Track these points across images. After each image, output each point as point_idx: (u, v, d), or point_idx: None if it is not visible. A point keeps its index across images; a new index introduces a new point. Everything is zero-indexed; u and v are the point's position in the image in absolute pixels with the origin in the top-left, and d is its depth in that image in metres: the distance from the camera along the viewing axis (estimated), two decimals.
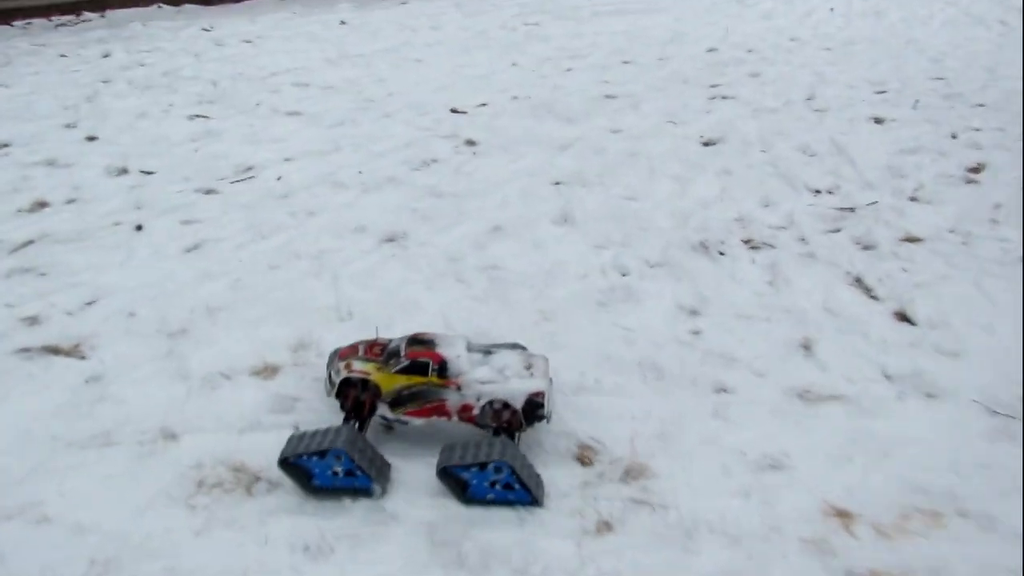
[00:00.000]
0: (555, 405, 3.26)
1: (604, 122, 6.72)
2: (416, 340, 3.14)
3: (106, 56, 8.47)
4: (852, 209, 5.15)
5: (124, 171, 5.77)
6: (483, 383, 3.06)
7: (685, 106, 7.11)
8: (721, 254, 4.62)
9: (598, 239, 4.78)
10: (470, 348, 3.19)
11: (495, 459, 2.80)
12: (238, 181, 5.58)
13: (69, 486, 2.91)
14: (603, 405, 3.41)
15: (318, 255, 4.57)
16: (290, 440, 2.88)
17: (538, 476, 2.92)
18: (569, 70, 8.24)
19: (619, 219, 5.03)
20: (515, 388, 3.05)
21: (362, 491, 2.87)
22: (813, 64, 8.40)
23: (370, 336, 3.37)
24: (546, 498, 2.88)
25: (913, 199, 5.35)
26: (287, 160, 5.93)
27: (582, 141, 6.27)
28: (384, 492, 2.90)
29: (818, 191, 5.48)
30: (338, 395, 3.11)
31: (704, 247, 4.70)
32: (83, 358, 3.67)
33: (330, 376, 3.16)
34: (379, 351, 3.17)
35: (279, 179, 5.58)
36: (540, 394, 3.04)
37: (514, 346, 3.41)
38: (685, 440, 3.19)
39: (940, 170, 5.76)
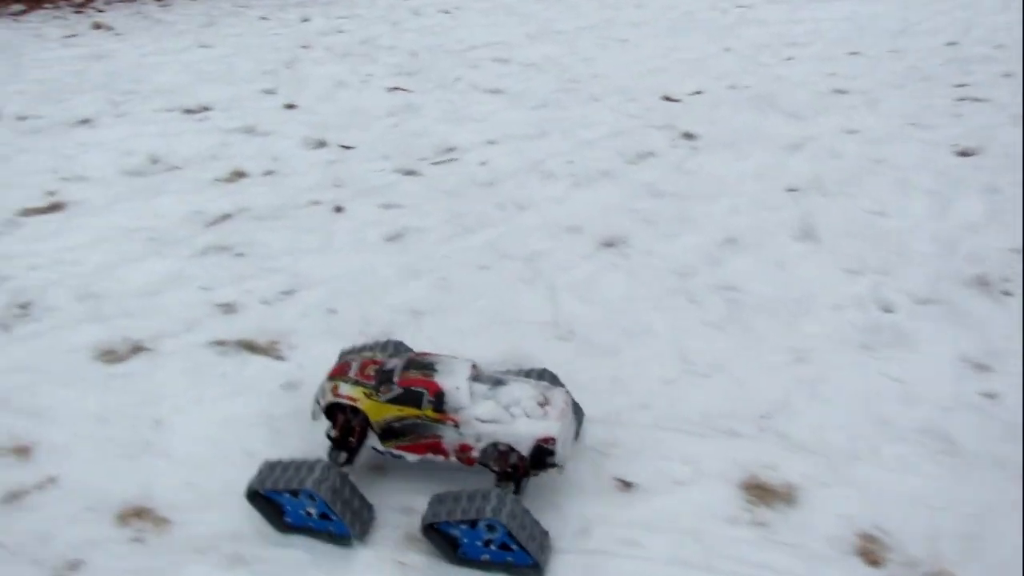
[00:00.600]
0: (584, 446, 2.84)
1: (837, 121, 5.94)
2: (414, 363, 2.66)
3: (305, 20, 8.27)
4: None
5: (322, 144, 5.45)
6: (484, 422, 2.57)
7: (929, 107, 6.23)
8: (1006, 294, 3.84)
9: (849, 262, 4.10)
10: (477, 377, 2.67)
11: (487, 516, 2.32)
12: (439, 163, 5.17)
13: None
14: (885, 482, 2.79)
15: (530, 257, 4.09)
16: (261, 469, 2.50)
17: (544, 534, 2.45)
18: (790, 59, 7.45)
19: (871, 239, 4.32)
20: (521, 431, 2.56)
21: (337, 538, 2.50)
22: None
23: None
24: None
25: None
26: (490, 143, 5.47)
27: (814, 142, 5.53)
28: (362, 539, 2.50)
29: None
30: (328, 417, 2.70)
31: (983, 283, 3.94)
32: (280, 358, 3.32)
33: (317, 399, 2.73)
34: (373, 373, 2.69)
35: (483, 164, 5.13)
36: (550, 440, 2.54)
37: (541, 374, 2.91)
38: (1000, 547, 2.52)
39: None
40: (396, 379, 2.62)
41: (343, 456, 2.65)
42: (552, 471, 2.60)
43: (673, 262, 4.06)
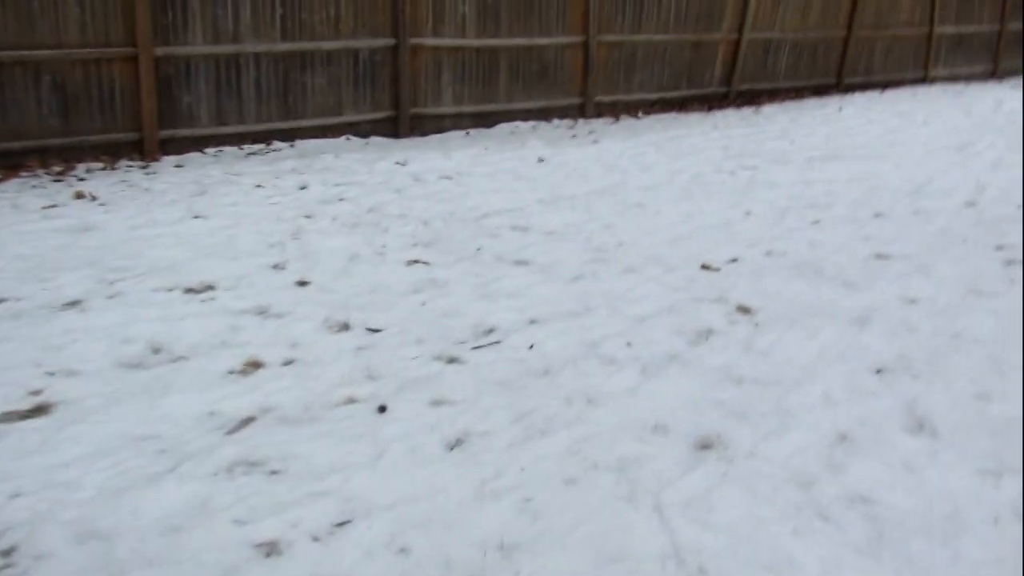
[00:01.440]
0: None
1: (893, 290, 5.55)
2: None
3: (303, 188, 7.83)
4: None
5: (346, 327, 4.87)
6: None
7: (982, 273, 5.87)
8: None
9: (981, 461, 3.59)
10: None
11: None
12: (481, 347, 4.59)
13: None
14: None
15: (620, 466, 3.49)
16: None
17: None
18: (816, 222, 7.14)
19: (990, 430, 3.83)
20: None
21: None
22: None
23: None
24: None
25: None
26: (532, 322, 4.94)
27: (879, 314, 5.10)
28: None
29: None
30: None
31: None
32: None
33: None
34: None
35: (531, 348, 4.57)
36: None
37: None
38: None
39: None
40: None
41: None
42: None
43: (786, 468, 3.48)
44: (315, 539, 3.03)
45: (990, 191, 8.53)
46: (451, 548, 2.97)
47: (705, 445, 3.68)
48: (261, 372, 4.38)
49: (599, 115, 12.06)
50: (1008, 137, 11.64)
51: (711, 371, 4.38)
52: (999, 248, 6.65)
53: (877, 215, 7.60)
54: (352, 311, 5.10)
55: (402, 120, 10.26)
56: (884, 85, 16.43)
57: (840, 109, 13.87)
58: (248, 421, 3.88)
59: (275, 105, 9.37)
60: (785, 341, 4.78)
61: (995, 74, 19.09)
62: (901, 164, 9.97)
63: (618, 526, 3.12)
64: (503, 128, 11.10)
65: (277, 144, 9.48)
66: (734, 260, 6.20)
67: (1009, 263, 6.27)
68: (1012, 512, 3.25)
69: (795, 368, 4.42)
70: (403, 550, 2.96)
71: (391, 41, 9.94)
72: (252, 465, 3.50)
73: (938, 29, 17.21)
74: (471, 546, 2.99)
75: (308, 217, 7.00)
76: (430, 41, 10.25)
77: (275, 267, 5.82)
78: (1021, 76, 18.99)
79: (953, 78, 18.11)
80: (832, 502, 3.28)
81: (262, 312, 5.09)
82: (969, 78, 18.51)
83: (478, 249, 6.27)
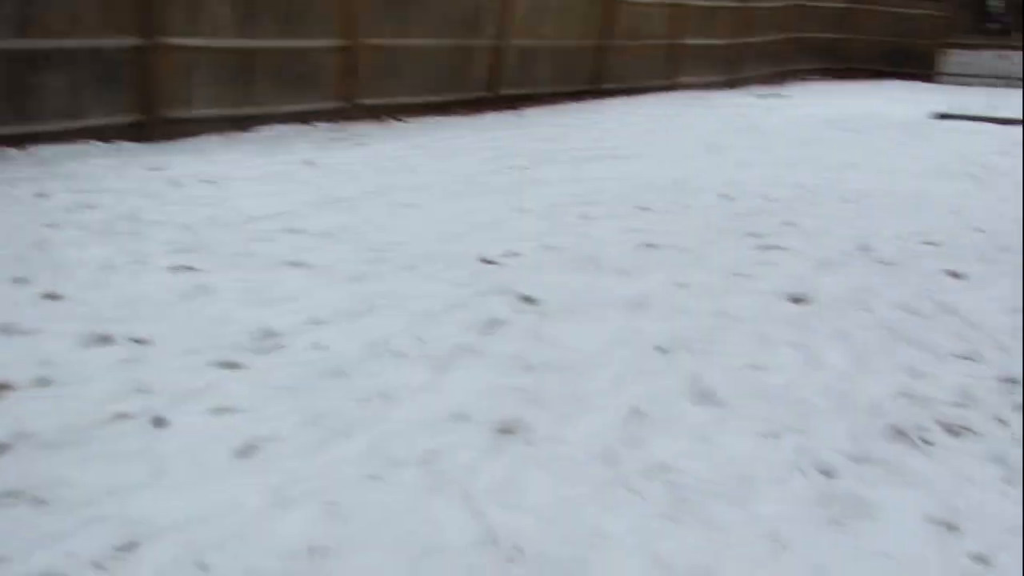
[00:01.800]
0: None
1: (663, 276, 5.83)
2: None
3: (41, 196, 7.12)
4: (1015, 381, 4.28)
5: (106, 339, 4.44)
6: None
7: (741, 258, 6.30)
8: (927, 443, 3.64)
9: (762, 425, 3.78)
10: None
11: None
12: (264, 352, 4.32)
13: None
14: None
15: (424, 460, 3.39)
16: None
17: None
18: (587, 217, 7.37)
19: (768, 399, 4.06)
20: None
21: None
22: (841, 215, 7.82)
23: None
24: None
25: None
26: (317, 323, 4.73)
27: (655, 299, 5.32)
28: None
29: (963, 356, 4.60)
30: None
31: (901, 434, 3.73)
32: None
33: None
34: None
35: (319, 349, 4.37)
36: None
37: None
38: None
39: None
40: None
41: None
42: None
43: (588, 448, 3.51)
44: (98, 567, 2.69)
45: (742, 186, 9.15)
46: (254, 560, 2.74)
47: (506, 431, 3.64)
48: (10, 395, 3.89)
49: (365, 118, 11.87)
50: (751, 139, 12.61)
51: (504, 360, 4.37)
52: (754, 235, 7.12)
53: (643, 209, 7.94)
54: (112, 323, 4.67)
55: (153, 124, 9.59)
56: (638, 91, 17.39)
57: (599, 112, 14.49)
58: (3, 449, 3.42)
59: (3, 108, 8.45)
60: (571, 329, 4.85)
61: (730, 83, 20.78)
62: (660, 162, 10.52)
63: (429, 519, 3.01)
64: (265, 132, 10.67)
65: (6, 149, 8.54)
66: (514, 254, 6.25)
67: (763, 248, 6.71)
68: (794, 470, 3.42)
69: (584, 353, 4.49)
70: (202, 567, 2.69)
71: (139, 40, 9.27)
72: (14, 497, 3.08)
73: (683, 41, 18.51)
74: (276, 556, 2.78)
75: (51, 226, 6.36)
76: (182, 41, 9.65)
77: (17, 280, 5.22)
78: (752, 85, 20.82)
79: (696, 86, 19.51)
80: (635, 475, 3.33)
81: (5, 331, 4.54)
82: (709, 86, 20.03)
83: (249, 254, 5.93)
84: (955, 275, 6.16)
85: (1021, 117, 14.90)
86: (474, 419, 3.73)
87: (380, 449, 3.46)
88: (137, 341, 4.49)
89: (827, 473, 3.43)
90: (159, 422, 3.64)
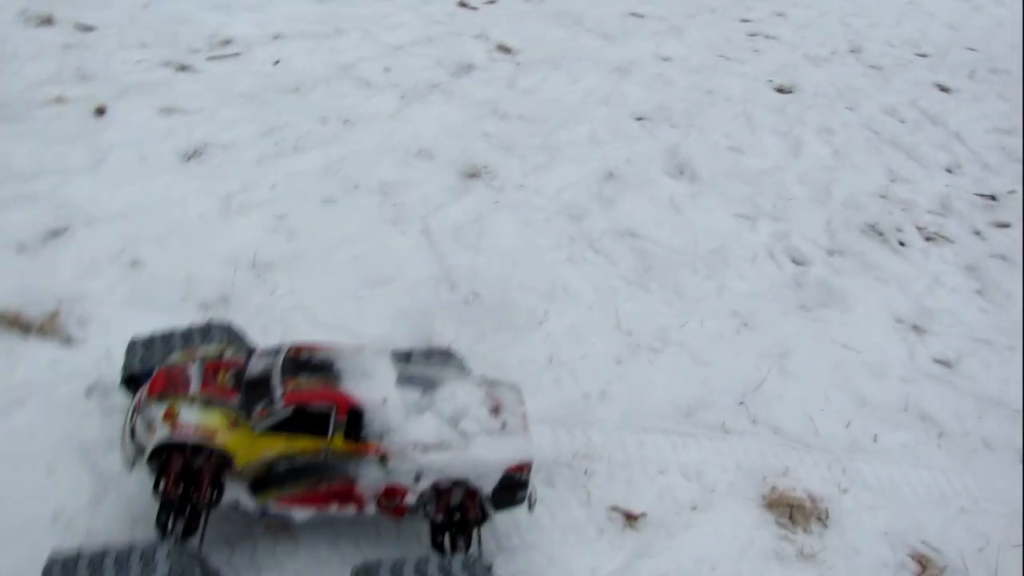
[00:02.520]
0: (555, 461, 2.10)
1: (649, 46, 5.48)
2: (300, 362, 1.69)
3: None
4: (994, 197, 4.18)
5: (49, 20, 4.01)
6: (428, 450, 1.69)
7: (729, 41, 5.95)
8: (902, 244, 3.54)
9: (739, 205, 3.62)
10: (402, 376, 1.78)
11: None
12: (219, 58, 3.97)
13: None
14: (904, 482, 2.30)
15: (383, 189, 3.16)
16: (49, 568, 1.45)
17: None
18: None
19: (746, 179, 3.87)
20: (484, 458, 1.71)
21: None
22: (833, 9, 7.41)
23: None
24: None
25: None
26: (277, 37, 4.36)
27: (638, 67, 5.01)
28: None
29: (945, 168, 4.46)
30: (151, 465, 1.64)
31: (877, 232, 3.61)
32: (70, 341, 2.15)
33: (132, 430, 1.66)
34: (231, 383, 1.69)
35: (278, 63, 4.01)
36: (525, 467, 1.74)
37: (445, 356, 2.04)
38: None
39: None
40: (279, 392, 1.62)
41: (180, 526, 1.61)
42: (518, 508, 1.80)
43: (557, 200, 3.32)
44: (23, 249, 2.47)
45: None
46: (194, 264, 2.54)
47: (473, 174, 3.42)
48: None
49: None
50: None
51: (475, 104, 4.08)
52: (745, 21, 6.72)
53: None
54: (56, 4, 4.20)
55: None
56: None
57: None
58: None
59: None
60: (549, 82, 4.55)
61: None
62: None
63: (385, 248, 2.82)
64: None
65: None
66: (492, 1, 5.79)
67: (753, 35, 6.34)
68: (767, 252, 3.30)
69: (560, 108, 4.22)
70: (135, 263, 2.49)
71: None
72: None
73: None
74: (218, 263, 2.58)
75: None
76: None
77: None
78: None
79: None
80: (603, 235, 3.17)
81: None
82: None
83: None
84: (944, 89, 5.92)
85: None
86: (440, 158, 3.49)
87: (337, 171, 3.22)
88: (85, 28, 4.07)
89: (799, 261, 3.30)
90: (101, 111, 3.31)
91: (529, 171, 3.51)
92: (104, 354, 2.12)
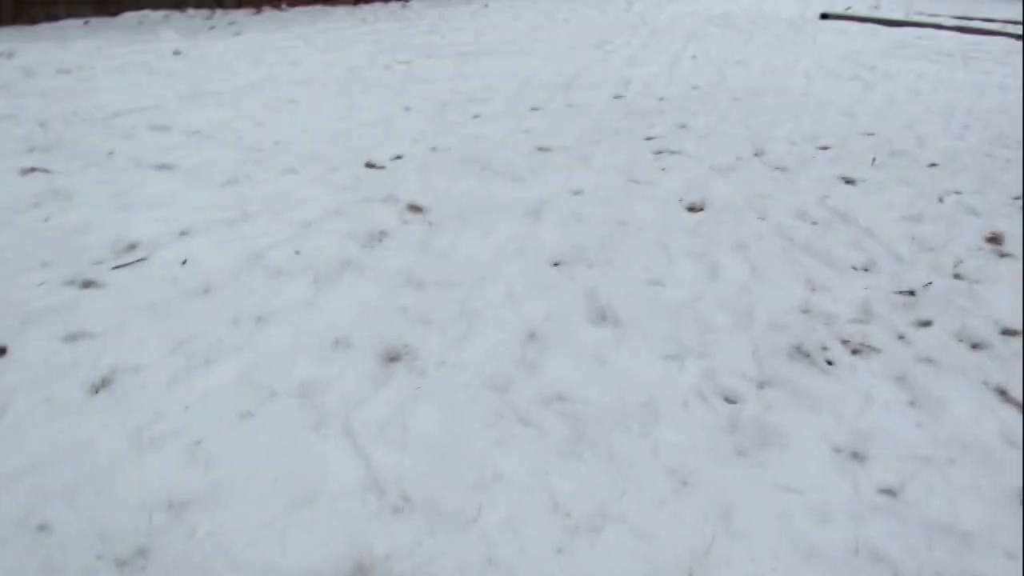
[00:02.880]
0: None
1: (559, 180, 5.55)
2: None
3: None
4: (912, 293, 4.24)
5: None
6: None
7: (635, 162, 6.08)
8: (830, 363, 3.55)
9: (663, 346, 3.61)
10: None
11: None
12: (124, 266, 3.92)
13: None
14: None
15: (301, 392, 3.09)
16: None
17: None
18: (477, 116, 7.01)
19: (667, 315, 3.88)
20: None
21: None
22: (733, 115, 7.65)
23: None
24: None
25: (959, 277, 4.51)
26: (184, 234, 4.31)
27: (550, 206, 5.06)
28: None
29: (862, 268, 4.54)
30: None
31: (803, 354, 3.63)
32: None
33: None
34: None
35: (186, 264, 3.97)
36: None
37: None
38: None
39: (964, 242, 5.00)
40: None
41: None
42: None
43: (480, 374, 3.27)
44: None
45: (633, 85, 8.89)
46: (106, 518, 2.42)
47: (393, 358, 3.37)
48: None
49: (239, 5, 11.05)
50: (639, 35, 12.30)
51: (390, 276, 4.07)
52: (648, 139, 6.90)
53: (534, 108, 7.61)
54: None
55: (3, 5, 8.65)
56: None
57: (486, 6, 13.94)
58: None
59: None
60: (462, 239, 4.56)
61: None
62: (549, 59, 10.14)
63: (307, 460, 2.73)
64: (129, 17, 9.80)
65: None
66: (399, 157, 5.88)
67: (659, 152, 6.50)
68: (697, 396, 3.28)
69: (475, 267, 4.23)
70: (43, 528, 2.37)
71: None
72: None
73: None
74: (132, 511, 2.46)
75: None
76: None
77: None
78: None
79: None
80: (530, 405, 3.12)
81: None
82: None
83: (110, 153, 5.38)
84: (849, 181, 6.10)
85: (906, 18, 15.01)
86: (357, 345, 3.44)
87: (252, 379, 3.14)
88: None
89: (731, 400, 3.29)
90: (2, 351, 3.22)
91: (449, 345, 3.47)
92: None
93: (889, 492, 2.83)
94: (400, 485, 2.64)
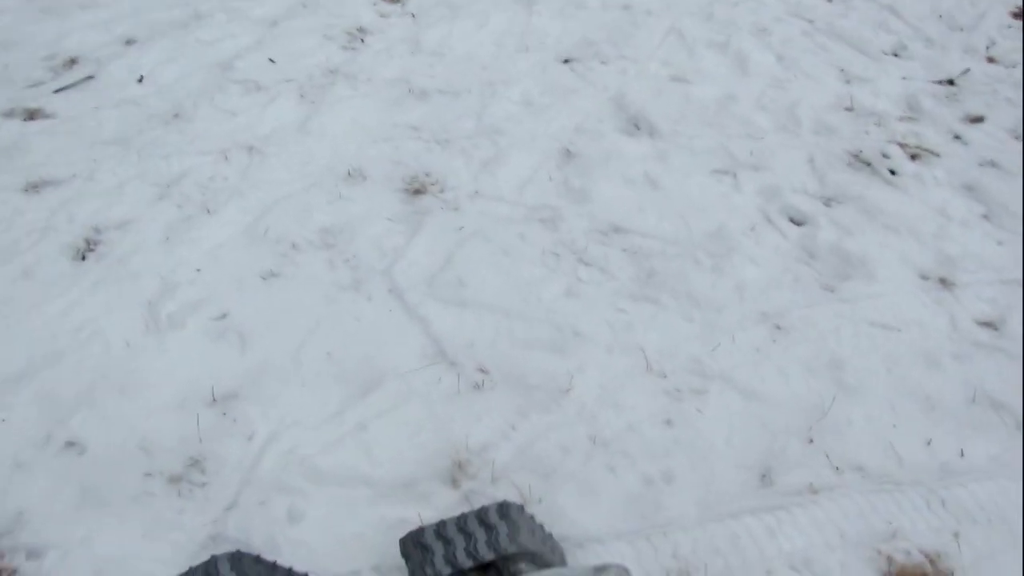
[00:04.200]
0: None
1: None
2: None
3: None
4: (952, 82, 3.90)
5: None
6: None
7: None
8: (893, 173, 3.24)
9: (712, 160, 3.26)
10: None
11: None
12: (67, 87, 3.33)
13: None
14: (1016, 508, 2.02)
15: (325, 241, 2.73)
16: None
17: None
18: None
19: (706, 120, 3.49)
20: None
21: None
22: None
23: None
24: None
25: (993, 60, 4.17)
26: (130, 43, 3.75)
27: None
28: None
29: (891, 53, 4.15)
30: None
31: (863, 162, 3.31)
32: None
33: None
34: None
35: (142, 80, 3.39)
36: None
37: (510, 521, 1.67)
38: None
39: (993, 18, 4.61)
40: None
41: None
42: None
43: (522, 205, 2.91)
44: None
45: None
46: (142, 424, 2.04)
47: (418, 190, 2.98)
48: None
49: None
50: None
51: (386, 86, 3.61)
52: None
53: None
54: None
55: None
56: None
57: None
58: None
59: None
60: (454, 34, 4.06)
61: None
62: None
63: (355, 331, 2.40)
64: None
65: None
66: None
67: None
68: (763, 218, 2.94)
69: (479, 68, 3.80)
70: (72, 446, 1.97)
71: None
72: None
73: None
74: (171, 409, 2.10)
75: None
76: None
77: None
78: None
79: None
80: (588, 242, 2.79)
81: None
82: None
83: None
84: None
85: None
86: (374, 176, 2.99)
87: (266, 230, 2.69)
88: None
89: (799, 221, 2.97)
90: None
91: (478, 170, 3.03)
92: None
93: (990, 325, 2.59)
94: (472, 354, 2.28)
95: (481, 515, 1.67)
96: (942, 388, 2.37)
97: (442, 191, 2.92)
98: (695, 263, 2.71)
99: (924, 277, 2.77)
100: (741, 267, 2.71)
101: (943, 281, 2.76)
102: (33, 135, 3.01)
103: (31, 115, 3.13)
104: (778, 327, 2.51)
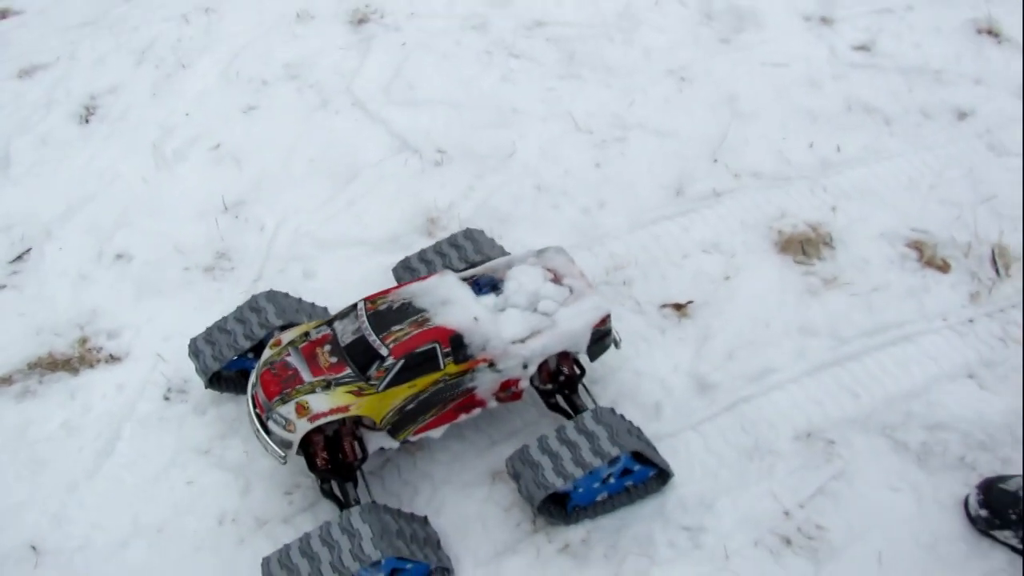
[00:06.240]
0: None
1: None
2: (383, 313, 1.80)
3: None
4: None
5: None
6: (526, 339, 1.85)
7: None
8: None
9: None
10: (478, 286, 1.95)
11: (613, 454, 1.74)
12: None
13: None
14: (881, 181, 2.54)
15: (291, 73, 3.12)
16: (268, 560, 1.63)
17: (639, 432, 1.88)
18: None
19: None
20: (573, 328, 1.88)
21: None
22: None
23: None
24: None
25: None
26: None
27: None
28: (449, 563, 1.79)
29: None
30: (302, 453, 1.79)
31: None
32: (116, 359, 2.18)
33: (267, 428, 1.76)
34: (331, 355, 1.78)
35: None
36: (606, 318, 1.93)
37: (475, 240, 2.16)
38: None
39: None
40: (384, 350, 1.73)
41: (346, 488, 1.78)
42: (607, 350, 2.00)
43: (453, 16, 3.28)
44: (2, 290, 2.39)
45: None
46: (174, 232, 2.51)
47: (361, 20, 3.32)
48: None
49: None
50: None
51: None
52: None
53: None
54: None
55: None
56: None
57: None
58: None
59: None
60: None
61: None
62: None
63: (331, 139, 2.83)
64: None
65: None
66: None
67: None
68: None
69: None
70: (121, 257, 2.43)
71: None
72: None
73: None
74: (193, 220, 2.56)
75: None
76: None
77: None
78: None
79: None
80: (515, 37, 3.17)
81: None
82: None
83: None
84: None
85: None
86: (321, 14, 3.36)
87: (238, 73, 3.10)
88: None
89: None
90: None
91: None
92: (155, 358, 2.16)
93: (863, 48, 3.04)
94: (430, 140, 2.74)
95: (451, 240, 2.17)
96: (823, 103, 2.85)
97: (383, 17, 3.31)
98: (609, 40, 3.14)
99: (807, 19, 3.20)
100: (648, 36, 3.14)
101: (824, 19, 3.20)
102: (10, 31, 3.37)
103: (3, 14, 3.47)
104: (682, 79, 2.96)
